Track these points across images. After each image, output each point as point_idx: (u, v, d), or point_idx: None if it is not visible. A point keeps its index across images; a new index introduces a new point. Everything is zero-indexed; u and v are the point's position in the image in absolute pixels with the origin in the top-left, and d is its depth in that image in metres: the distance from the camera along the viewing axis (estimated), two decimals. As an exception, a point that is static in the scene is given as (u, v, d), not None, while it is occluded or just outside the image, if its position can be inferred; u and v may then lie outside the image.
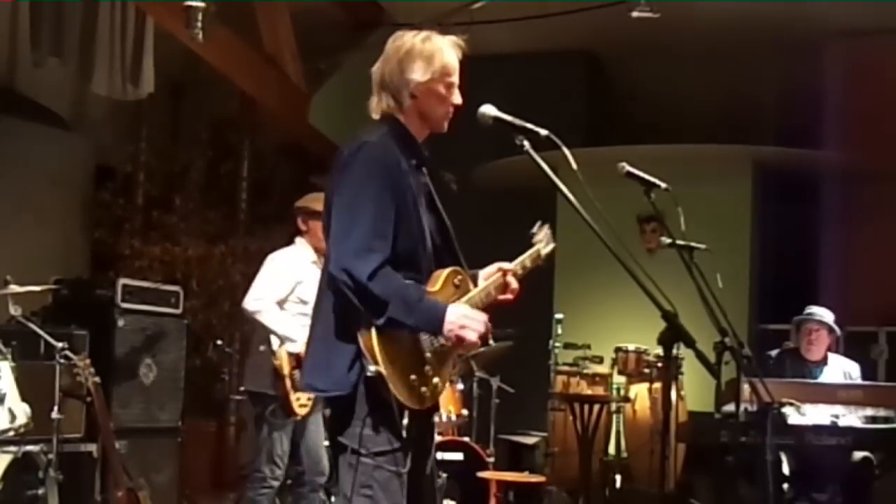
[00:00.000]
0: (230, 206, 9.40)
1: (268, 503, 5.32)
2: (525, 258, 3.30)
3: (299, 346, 4.97)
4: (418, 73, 2.98)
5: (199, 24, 6.48)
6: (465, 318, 2.88)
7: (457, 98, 3.07)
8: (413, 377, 2.87)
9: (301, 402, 5.21)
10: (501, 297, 3.17)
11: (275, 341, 5.24)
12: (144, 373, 6.36)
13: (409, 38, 3.03)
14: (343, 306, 2.86)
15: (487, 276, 3.17)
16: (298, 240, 5.47)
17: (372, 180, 2.86)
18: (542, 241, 3.41)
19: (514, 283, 3.16)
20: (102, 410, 5.15)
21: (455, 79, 3.05)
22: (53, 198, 8.39)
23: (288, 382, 5.12)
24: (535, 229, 3.43)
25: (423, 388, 2.90)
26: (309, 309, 5.27)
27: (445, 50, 3.02)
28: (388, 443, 2.86)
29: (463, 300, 3.01)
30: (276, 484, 5.33)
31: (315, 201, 5.14)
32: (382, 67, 3.03)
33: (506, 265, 3.20)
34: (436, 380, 2.95)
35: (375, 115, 3.06)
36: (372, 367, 2.79)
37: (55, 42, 7.31)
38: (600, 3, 7.99)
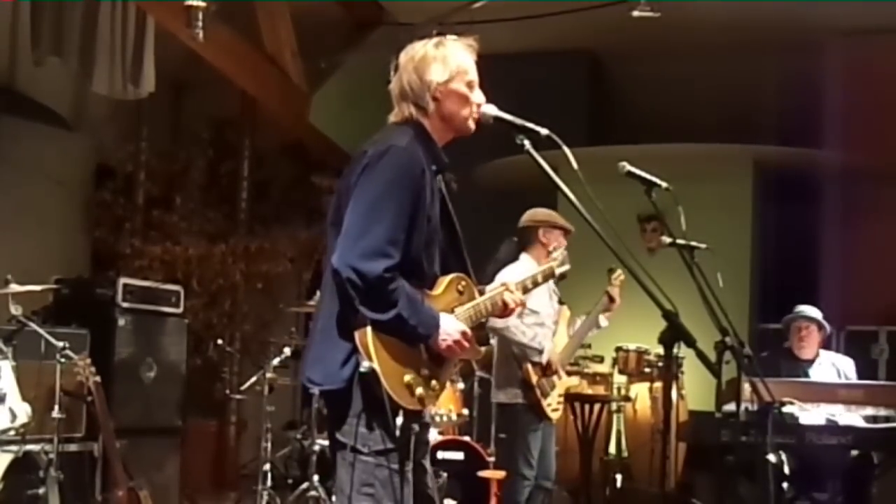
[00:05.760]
0: (231, 206, 9.41)
1: (523, 500, 5.51)
2: (536, 274, 3.50)
3: (545, 357, 5.40)
4: (437, 75, 3.01)
5: (200, 24, 6.49)
6: (455, 332, 2.94)
7: (479, 96, 3.08)
8: (408, 377, 2.89)
9: (552, 407, 5.48)
10: (502, 314, 3.26)
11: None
12: (145, 372, 6.37)
13: (420, 47, 3.06)
14: (342, 302, 2.88)
15: (492, 290, 3.21)
16: (524, 256, 5.55)
17: (396, 186, 2.87)
18: (557, 261, 3.68)
19: (513, 302, 3.19)
20: (103, 410, 5.16)
21: (473, 76, 3.07)
22: (54, 197, 8.38)
23: (537, 391, 5.38)
24: (554, 253, 3.83)
25: (420, 390, 2.90)
26: (542, 318, 5.51)
27: (458, 51, 3.06)
28: (384, 441, 2.87)
29: (461, 309, 3.05)
30: (532, 482, 5.51)
31: (557, 217, 5.52)
32: (400, 79, 3.05)
33: (510, 283, 3.24)
34: (433, 382, 2.97)
35: (394, 119, 3.07)
36: (365, 364, 2.81)
37: (56, 41, 7.30)
38: (601, 2, 7.99)
